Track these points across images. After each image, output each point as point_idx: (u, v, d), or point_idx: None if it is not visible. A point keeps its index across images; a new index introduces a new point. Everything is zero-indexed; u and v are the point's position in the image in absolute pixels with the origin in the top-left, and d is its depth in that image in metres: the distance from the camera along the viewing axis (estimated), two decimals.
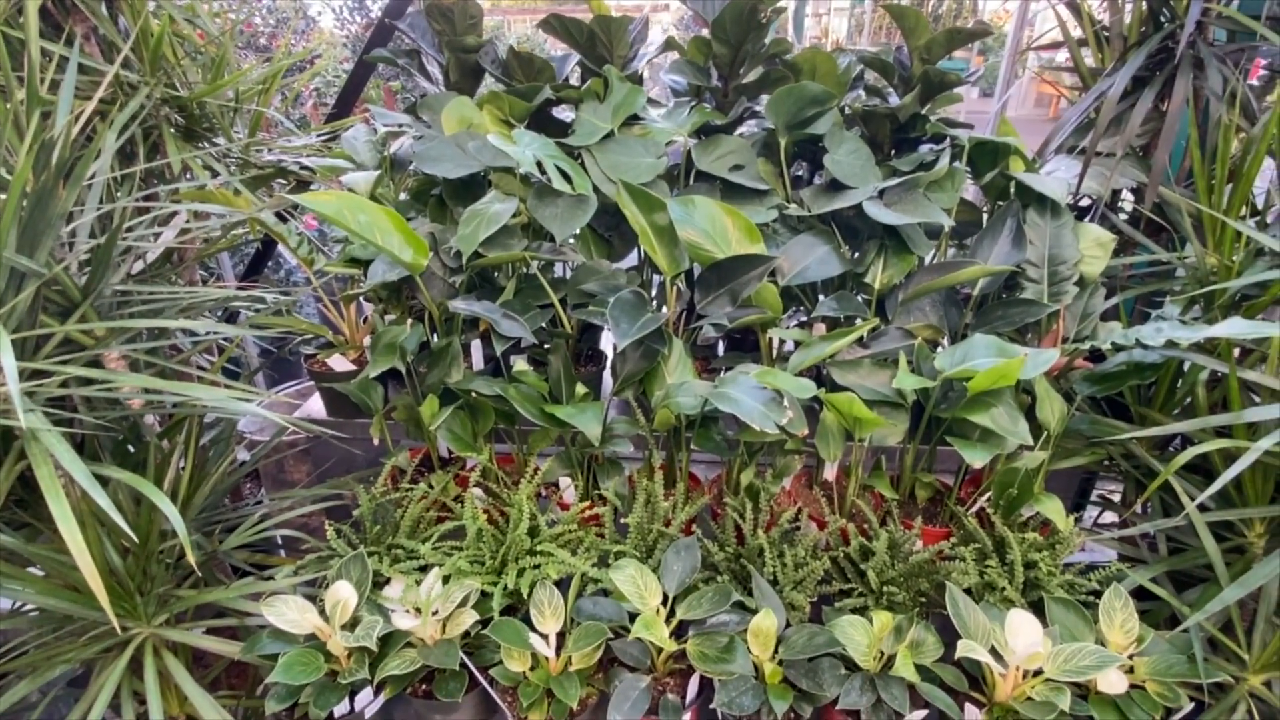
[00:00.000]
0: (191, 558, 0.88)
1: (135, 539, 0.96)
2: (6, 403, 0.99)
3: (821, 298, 1.61)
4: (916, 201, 1.39)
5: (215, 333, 1.32)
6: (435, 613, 1.08)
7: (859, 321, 1.58)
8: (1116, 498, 1.59)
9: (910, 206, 1.38)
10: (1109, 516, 1.62)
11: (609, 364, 1.70)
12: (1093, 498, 1.69)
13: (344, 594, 1.08)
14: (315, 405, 1.65)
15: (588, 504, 1.27)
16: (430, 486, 1.32)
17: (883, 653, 1.07)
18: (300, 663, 1.01)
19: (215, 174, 1.55)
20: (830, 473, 1.43)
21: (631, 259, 1.70)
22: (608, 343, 1.78)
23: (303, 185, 1.79)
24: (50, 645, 1.03)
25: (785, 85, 1.52)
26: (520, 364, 1.35)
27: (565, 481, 1.36)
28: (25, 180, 0.99)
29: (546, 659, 1.07)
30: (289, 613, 1.06)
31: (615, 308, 1.27)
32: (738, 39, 1.59)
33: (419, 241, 1.32)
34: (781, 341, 1.52)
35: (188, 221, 1.50)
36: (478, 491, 1.30)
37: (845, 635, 1.05)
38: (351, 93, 2.13)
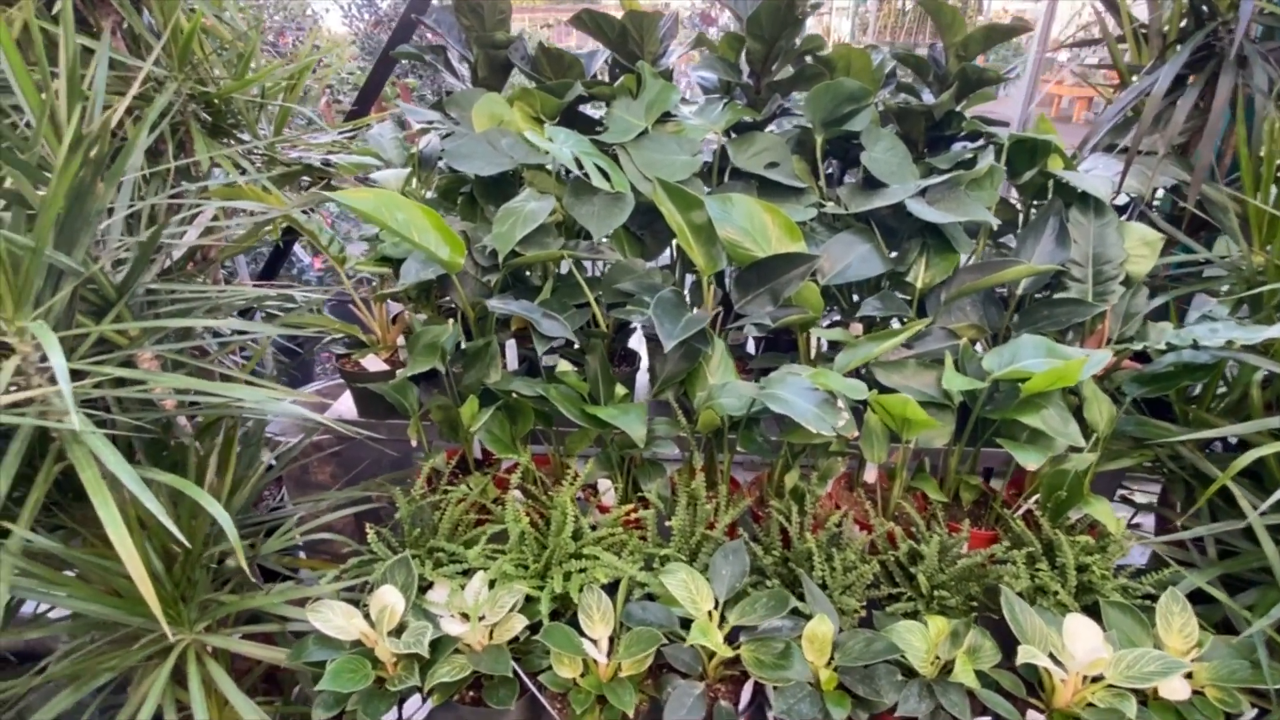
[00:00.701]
0: (243, 562, 0.86)
1: (188, 544, 0.94)
2: (45, 404, 0.96)
3: (855, 297, 1.59)
4: (959, 199, 1.37)
5: (248, 332, 1.29)
6: (482, 618, 1.06)
7: (895, 323, 1.56)
8: (1140, 498, 1.58)
9: (953, 204, 1.36)
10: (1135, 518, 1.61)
11: (643, 364, 1.69)
12: (1115, 498, 1.67)
13: (390, 599, 1.05)
14: (343, 406, 1.63)
15: (631, 507, 1.25)
16: (468, 489, 1.30)
17: (939, 658, 1.05)
18: (349, 670, 0.99)
19: (243, 171, 1.52)
20: (871, 475, 1.41)
21: (662, 258, 1.68)
22: (639, 342, 1.75)
23: (327, 184, 1.76)
24: (91, 653, 1.01)
25: (822, 81, 1.50)
26: (563, 364, 1.32)
27: (605, 484, 1.34)
28: (59, 178, 0.97)
29: (597, 665, 1.05)
30: (335, 618, 1.03)
31: (658, 307, 1.25)
32: (773, 35, 1.58)
33: (455, 239, 1.30)
34: (819, 341, 1.50)
35: (216, 219, 1.48)
36: (516, 494, 1.28)
37: (904, 641, 1.03)
38: (373, 90, 2.11)
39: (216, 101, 1.55)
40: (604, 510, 1.33)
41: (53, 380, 0.99)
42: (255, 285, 1.89)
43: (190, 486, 0.91)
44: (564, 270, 1.56)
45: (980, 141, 1.65)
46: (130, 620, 1.01)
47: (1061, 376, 1.07)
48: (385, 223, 1.24)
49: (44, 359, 0.99)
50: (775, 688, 1.00)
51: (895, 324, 1.59)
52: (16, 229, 0.95)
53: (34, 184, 1.09)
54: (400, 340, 1.53)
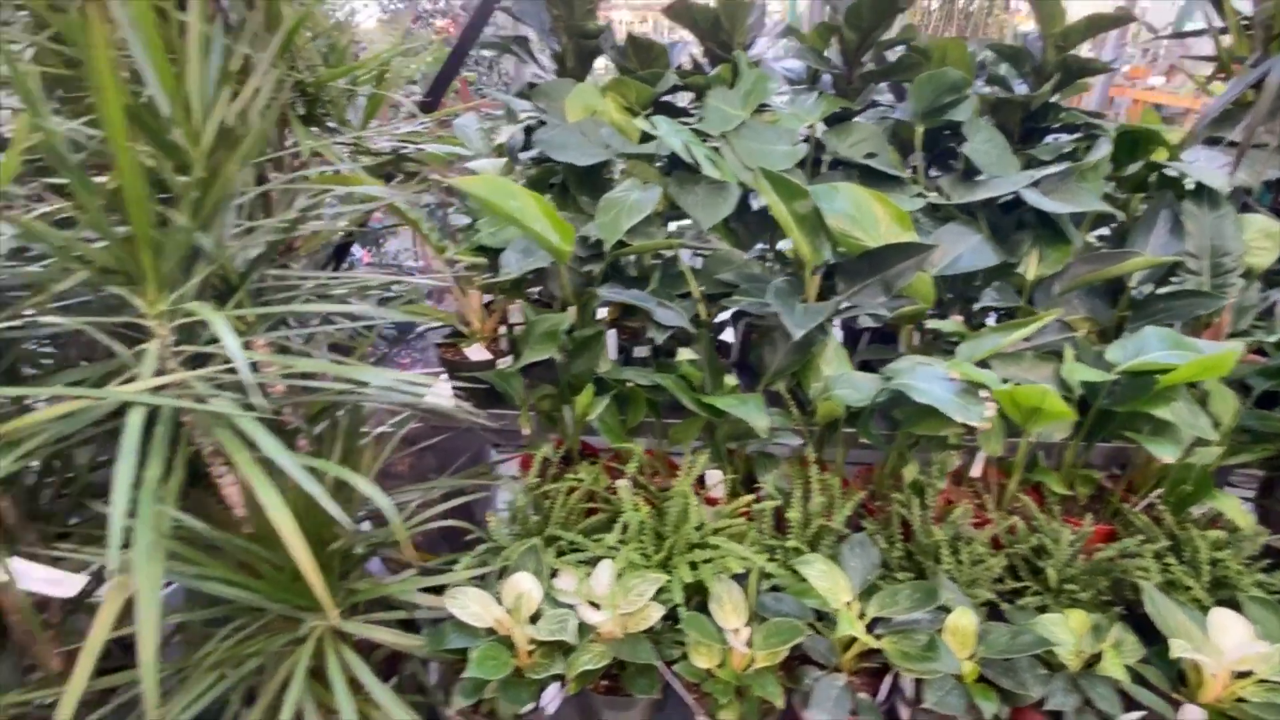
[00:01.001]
0: (409, 551, 0.85)
1: (353, 526, 0.94)
2: (184, 388, 0.96)
3: (948, 294, 1.57)
4: (1073, 190, 1.36)
5: (361, 319, 1.29)
6: (616, 606, 1.05)
7: (977, 321, 1.54)
8: None
9: (1068, 195, 1.35)
10: None
11: (734, 355, 1.68)
12: None
13: (525, 586, 1.05)
14: (433, 398, 1.62)
15: (752, 498, 1.24)
16: (579, 478, 1.29)
17: (1082, 652, 1.04)
18: (490, 657, 0.98)
19: (340, 160, 1.52)
20: (978, 469, 1.40)
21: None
22: (727, 334, 1.74)
23: (410, 174, 1.76)
24: (235, 639, 1.01)
25: (924, 72, 1.49)
26: (683, 353, 1.31)
27: (713, 476, 1.33)
28: (203, 163, 0.96)
29: (732, 655, 1.04)
30: (471, 605, 1.03)
31: (777, 298, 1.24)
32: (870, 25, 1.56)
33: (566, 228, 1.29)
34: (923, 332, 1.49)
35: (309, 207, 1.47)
36: (627, 484, 1.27)
37: (1051, 634, 1.02)
38: (445, 80, 2.10)
39: (311, 91, 1.54)
40: (712, 502, 1.32)
41: (186, 365, 0.98)
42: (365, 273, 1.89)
43: (349, 473, 0.90)
44: (666, 260, 1.55)
45: (1078, 133, 1.64)
46: (271, 605, 1.01)
47: (1208, 368, 1.06)
48: (502, 209, 1.23)
49: (178, 343, 0.99)
50: (924, 680, 0.99)
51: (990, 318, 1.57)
52: (126, 210, 0.93)
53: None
54: (500, 330, 1.53)
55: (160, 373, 0.96)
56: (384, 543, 1.18)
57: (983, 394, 1.06)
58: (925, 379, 1.09)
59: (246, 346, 1.25)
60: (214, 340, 1.11)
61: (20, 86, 0.83)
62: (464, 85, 2.99)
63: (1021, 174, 1.40)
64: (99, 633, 0.93)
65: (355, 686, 1.02)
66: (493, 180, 1.25)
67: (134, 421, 0.87)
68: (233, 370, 1.12)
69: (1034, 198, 1.31)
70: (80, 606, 1.13)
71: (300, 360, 1.07)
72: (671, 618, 1.07)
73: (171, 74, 1.07)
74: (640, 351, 1.60)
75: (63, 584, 0.94)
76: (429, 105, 2.12)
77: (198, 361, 1.02)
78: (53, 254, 0.99)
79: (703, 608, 1.09)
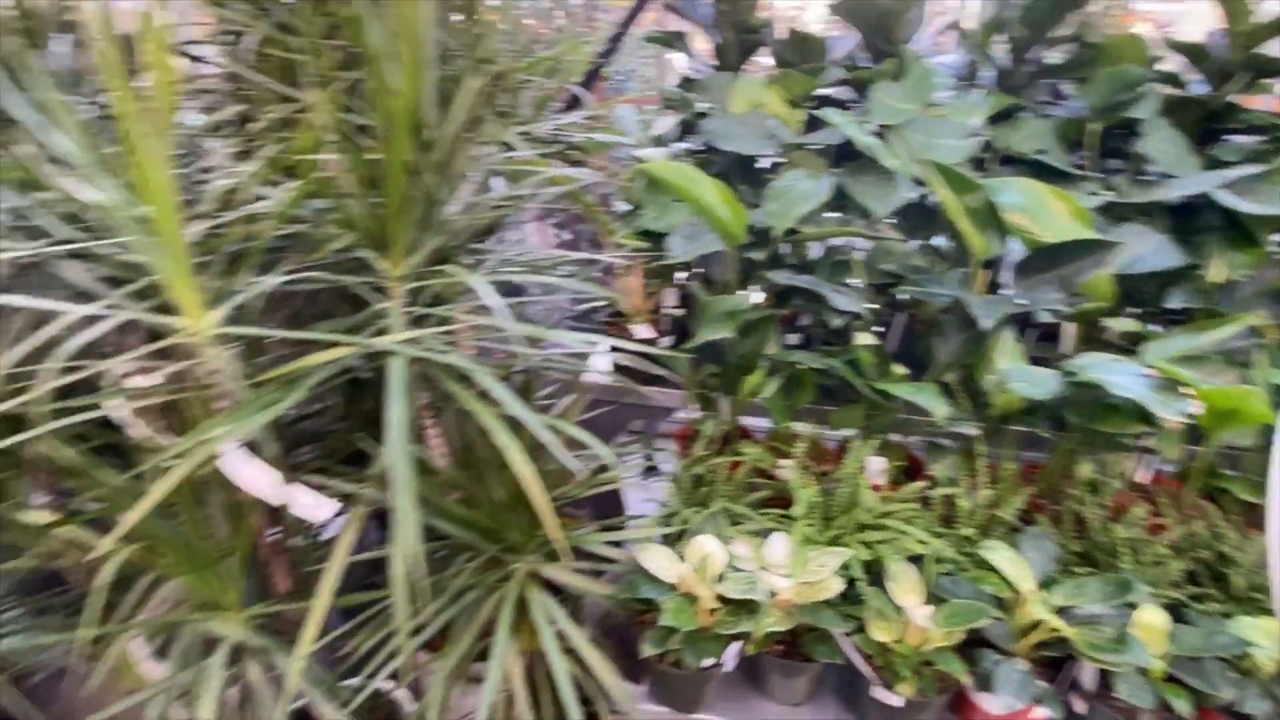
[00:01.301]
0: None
1: (583, 473, 1.02)
2: (416, 342, 1.05)
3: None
4: (1270, 193, 1.31)
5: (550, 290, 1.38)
6: (799, 575, 1.10)
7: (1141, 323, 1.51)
8: None
9: (1265, 198, 1.31)
10: None
11: (890, 346, 1.70)
12: None
13: (710, 548, 1.11)
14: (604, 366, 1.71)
15: (922, 485, 1.26)
16: (745, 453, 1.34)
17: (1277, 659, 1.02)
18: (683, 610, 1.05)
19: (519, 147, 1.62)
20: (1145, 474, 1.38)
21: None
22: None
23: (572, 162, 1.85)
24: (455, 574, 1.11)
25: (1105, 68, 1.47)
26: (862, 337, 1.35)
27: (877, 463, 1.36)
28: (446, 146, 1.06)
29: (910, 630, 1.07)
30: (660, 560, 1.10)
31: (960, 289, 1.26)
32: (1046, 21, 1.55)
33: (742, 213, 1.34)
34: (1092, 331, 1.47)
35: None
36: (793, 462, 1.31)
37: (1251, 637, 1.00)
38: (596, 73, 2.20)
39: (495, 81, 1.65)
40: (875, 489, 1.34)
41: (410, 324, 1.08)
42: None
43: (571, 427, 0.98)
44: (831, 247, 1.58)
45: (1262, 135, 1.57)
46: (485, 546, 1.11)
47: None
48: (689, 191, 1.29)
49: (407, 304, 1.09)
50: (1106, 673, 1.00)
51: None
52: (385, 184, 1.02)
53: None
54: (660, 311, 1.61)
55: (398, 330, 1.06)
56: (571, 499, 1.27)
57: (1183, 390, 1.05)
58: (1118, 373, 1.09)
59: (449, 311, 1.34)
60: (433, 303, 1.22)
61: (316, 75, 0.95)
62: (600, 81, 3.09)
63: (1209, 174, 1.37)
64: (341, 555, 1.05)
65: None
66: (677, 165, 1.32)
67: (398, 367, 0.97)
68: (449, 331, 1.22)
69: (1229, 199, 1.28)
70: (297, 531, 1.27)
71: (520, 324, 1.15)
72: (843, 594, 1.12)
73: (418, 62, 1.19)
74: (791, 338, 1.64)
75: (321, 508, 1.06)
76: (579, 98, 2.22)
77: (418, 322, 1.12)
78: (313, 219, 1.12)
79: (875, 585, 1.13)
